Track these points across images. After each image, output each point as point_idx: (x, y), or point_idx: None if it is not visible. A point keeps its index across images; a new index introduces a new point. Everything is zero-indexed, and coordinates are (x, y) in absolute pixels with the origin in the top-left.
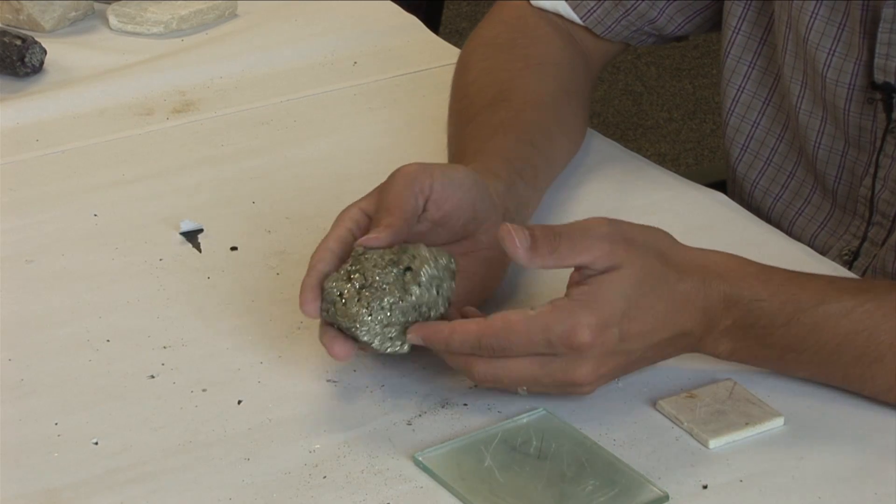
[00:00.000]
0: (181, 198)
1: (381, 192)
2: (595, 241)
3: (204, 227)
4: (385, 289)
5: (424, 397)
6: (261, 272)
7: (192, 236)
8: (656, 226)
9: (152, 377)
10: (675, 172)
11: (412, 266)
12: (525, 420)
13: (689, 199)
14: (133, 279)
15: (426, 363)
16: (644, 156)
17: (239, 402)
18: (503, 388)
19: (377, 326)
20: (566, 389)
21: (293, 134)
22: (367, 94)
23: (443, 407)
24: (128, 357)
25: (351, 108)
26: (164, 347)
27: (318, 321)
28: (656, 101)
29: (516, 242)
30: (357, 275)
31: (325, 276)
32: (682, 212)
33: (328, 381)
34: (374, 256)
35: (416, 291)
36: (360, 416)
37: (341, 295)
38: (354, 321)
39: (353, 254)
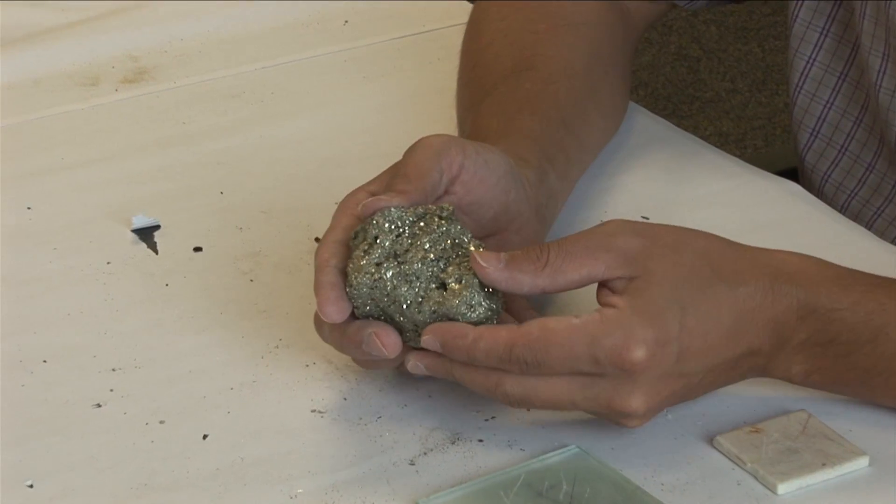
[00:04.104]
0: (133, 187)
1: (397, 164)
2: (601, 245)
3: (161, 223)
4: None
5: (430, 431)
6: (231, 278)
7: (146, 234)
8: (713, 222)
9: (99, 406)
10: (739, 157)
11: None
12: (554, 460)
13: (756, 190)
14: (75, 286)
15: (432, 389)
16: (701, 136)
17: (204, 436)
18: (534, 408)
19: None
20: (611, 418)
21: (270, 109)
22: (360, 61)
23: (453, 443)
24: (69, 382)
25: (341, 78)
26: (114, 370)
27: (298, 339)
28: (717, 69)
29: (481, 262)
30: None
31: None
32: (747, 205)
33: (313, 411)
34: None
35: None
36: (351, 455)
37: (442, 284)
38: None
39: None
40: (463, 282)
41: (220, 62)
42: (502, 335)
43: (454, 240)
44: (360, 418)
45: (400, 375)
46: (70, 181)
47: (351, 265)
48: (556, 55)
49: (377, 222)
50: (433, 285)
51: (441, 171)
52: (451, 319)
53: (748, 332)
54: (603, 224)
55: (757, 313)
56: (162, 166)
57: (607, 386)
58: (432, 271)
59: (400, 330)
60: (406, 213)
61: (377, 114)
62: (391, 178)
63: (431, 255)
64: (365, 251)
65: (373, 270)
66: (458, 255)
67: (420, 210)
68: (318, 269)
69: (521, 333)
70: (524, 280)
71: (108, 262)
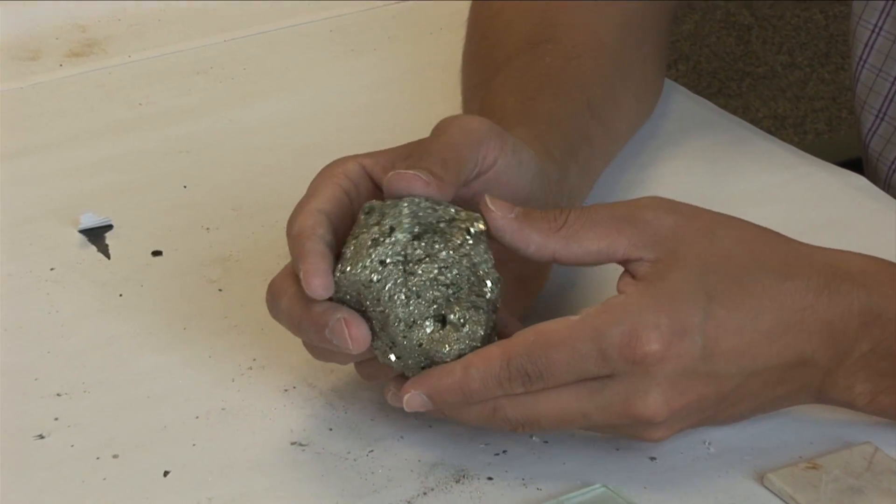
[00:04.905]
0: (81, 180)
1: (421, 143)
2: (627, 217)
3: (113, 223)
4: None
5: (431, 468)
6: (196, 287)
7: (96, 235)
8: (763, 222)
9: (41, 437)
10: (796, 145)
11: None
12: (576, 501)
13: (816, 184)
14: (13, 297)
15: (434, 418)
16: (752, 120)
17: (165, 473)
18: (542, 431)
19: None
20: (631, 432)
21: (242, 88)
22: (348, 31)
23: (458, 482)
24: (6, 409)
25: (325, 51)
26: (59, 395)
27: (275, 360)
28: (771, 39)
29: (489, 205)
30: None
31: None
32: (805, 202)
33: (293, 443)
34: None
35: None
36: (338, 495)
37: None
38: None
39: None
40: (466, 328)
41: (182, 33)
42: (494, 352)
43: (472, 267)
44: (349, 452)
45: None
46: (7, 173)
47: (352, 248)
48: (580, 24)
49: (401, 212)
50: (432, 311)
51: (476, 163)
52: (432, 358)
53: (797, 336)
54: (634, 202)
55: (808, 314)
56: (114, 155)
57: (620, 388)
58: (436, 297)
59: (372, 332)
60: (435, 210)
61: (368, 94)
62: (419, 155)
63: (443, 277)
64: (374, 240)
65: (375, 267)
66: (469, 288)
67: (451, 212)
68: (303, 235)
69: (515, 343)
70: (533, 237)
71: (52, 269)
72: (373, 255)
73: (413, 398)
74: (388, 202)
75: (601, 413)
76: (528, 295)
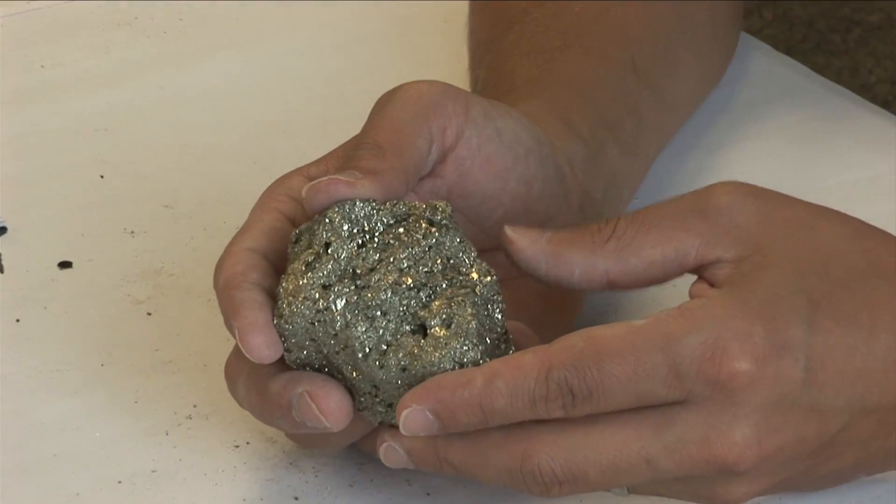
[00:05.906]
0: None
1: (362, 131)
2: (696, 209)
3: (7, 225)
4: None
5: None
6: (117, 310)
7: None
8: (873, 223)
9: None
10: None
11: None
12: None
13: None
14: None
15: (432, 484)
16: (862, 86)
17: None
18: (589, 489)
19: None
20: (704, 489)
21: (176, 46)
22: None
23: None
24: None
25: None
26: None
27: (222, 405)
28: None
29: (510, 234)
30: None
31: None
32: None
33: None
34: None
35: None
36: None
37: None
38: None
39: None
40: (452, 326)
41: None
42: (528, 360)
43: (448, 260)
44: None
45: (376, 460)
46: None
47: (283, 284)
48: None
49: (331, 221)
50: (407, 327)
51: (430, 139)
52: (423, 378)
53: None
54: (707, 191)
55: None
56: (9, 136)
57: (696, 420)
58: (408, 305)
59: (351, 390)
60: (379, 210)
61: (344, 53)
62: (353, 150)
63: (409, 280)
64: (308, 264)
65: (317, 295)
66: (451, 284)
67: (401, 208)
68: (230, 286)
69: (557, 350)
70: (576, 259)
71: None
72: (311, 283)
73: (413, 417)
74: (317, 217)
75: (670, 457)
76: (564, 315)
